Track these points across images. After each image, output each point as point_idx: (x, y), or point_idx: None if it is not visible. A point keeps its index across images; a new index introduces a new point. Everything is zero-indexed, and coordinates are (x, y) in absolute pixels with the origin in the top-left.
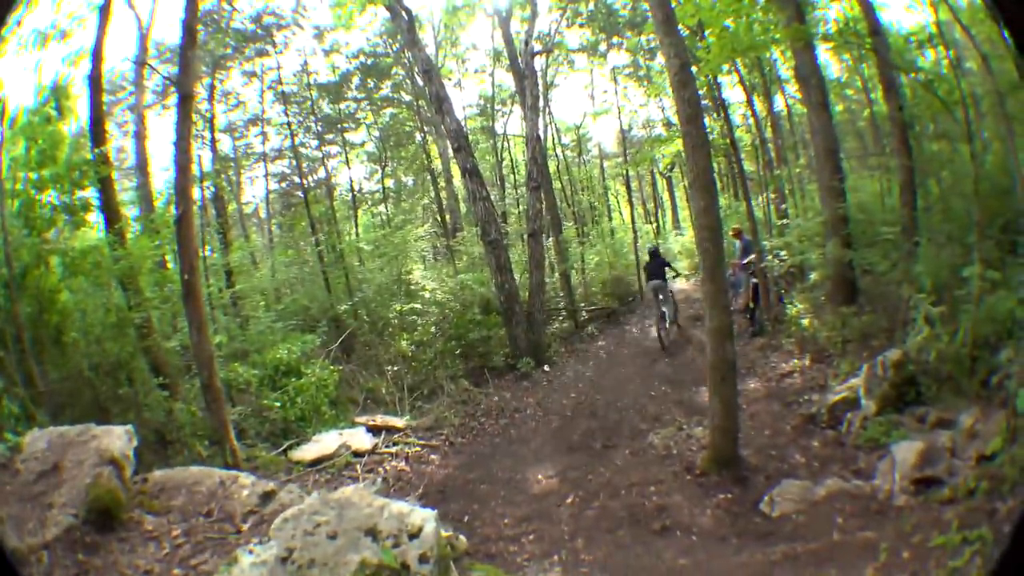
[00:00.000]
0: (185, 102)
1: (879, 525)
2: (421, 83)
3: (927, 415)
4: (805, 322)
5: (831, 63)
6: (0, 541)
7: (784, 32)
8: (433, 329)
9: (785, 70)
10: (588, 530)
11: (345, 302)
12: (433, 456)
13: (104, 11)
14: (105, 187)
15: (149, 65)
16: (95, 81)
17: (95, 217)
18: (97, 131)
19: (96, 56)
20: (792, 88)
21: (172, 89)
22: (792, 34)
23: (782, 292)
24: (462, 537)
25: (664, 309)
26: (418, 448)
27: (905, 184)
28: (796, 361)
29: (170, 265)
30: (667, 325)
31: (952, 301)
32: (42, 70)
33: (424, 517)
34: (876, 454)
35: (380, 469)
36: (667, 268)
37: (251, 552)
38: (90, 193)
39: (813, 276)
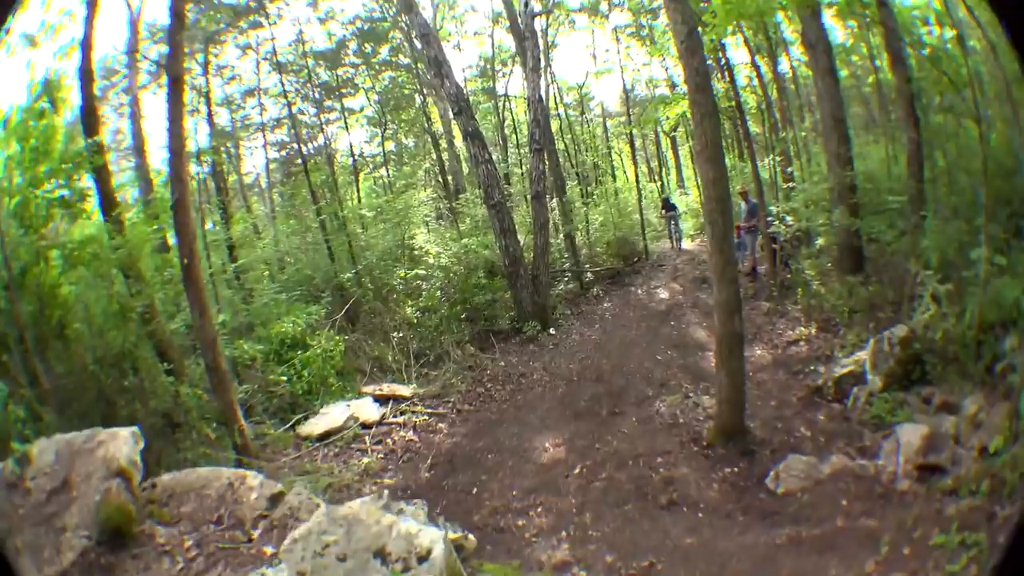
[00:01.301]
0: (175, 85)
1: (882, 512)
2: (420, 46)
3: (933, 396)
4: (812, 289)
5: (836, 27)
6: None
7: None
8: (438, 294)
9: (790, 32)
10: (595, 503)
11: (349, 270)
12: (441, 425)
13: (92, 2)
14: (100, 176)
15: (139, 53)
16: (86, 74)
17: (93, 206)
18: (89, 121)
19: (86, 47)
20: (797, 51)
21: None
22: (799, 1)
23: (788, 257)
24: (471, 536)
25: (675, 232)
26: (425, 417)
27: (912, 156)
28: (802, 329)
29: (172, 245)
30: (679, 240)
31: (959, 281)
32: (34, 67)
33: (433, 539)
34: (881, 433)
35: (388, 440)
36: (675, 208)
37: (262, 575)
38: (86, 183)
39: (819, 241)
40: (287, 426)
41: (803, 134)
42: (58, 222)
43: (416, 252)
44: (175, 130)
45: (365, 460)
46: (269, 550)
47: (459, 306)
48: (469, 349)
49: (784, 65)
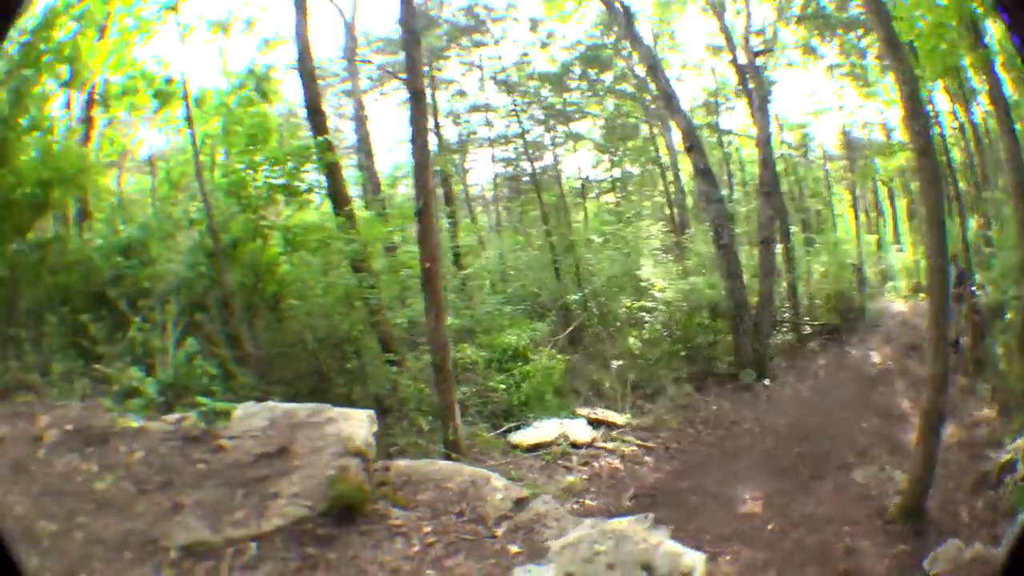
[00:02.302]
0: (417, 100)
1: None
2: (644, 76)
3: None
4: (998, 367)
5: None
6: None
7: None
8: (660, 328)
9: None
10: (781, 561)
11: (574, 292)
12: (647, 458)
13: (301, 5)
14: (332, 172)
15: (357, 58)
16: (307, 73)
17: (318, 198)
18: (316, 120)
19: (303, 47)
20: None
21: (388, 78)
22: (976, 58)
23: (984, 330)
24: None
25: None
26: (634, 447)
27: None
28: (987, 410)
29: (400, 248)
30: None
31: None
32: (226, 55)
33: (695, 560)
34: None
35: (595, 464)
36: None
37: (529, 572)
38: (314, 177)
39: (1008, 315)
40: (499, 432)
41: (998, 195)
42: (278, 207)
43: (642, 283)
44: (419, 142)
45: (569, 479)
46: (514, 548)
47: (680, 344)
48: (685, 388)
49: (977, 116)
